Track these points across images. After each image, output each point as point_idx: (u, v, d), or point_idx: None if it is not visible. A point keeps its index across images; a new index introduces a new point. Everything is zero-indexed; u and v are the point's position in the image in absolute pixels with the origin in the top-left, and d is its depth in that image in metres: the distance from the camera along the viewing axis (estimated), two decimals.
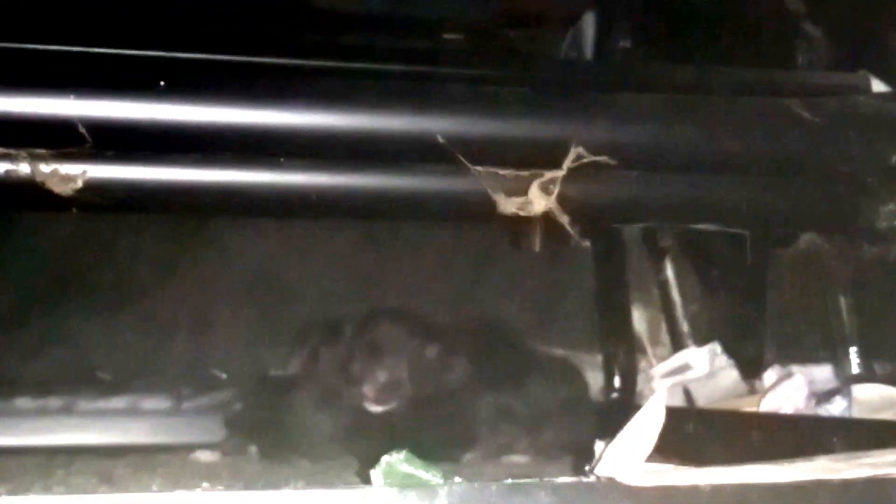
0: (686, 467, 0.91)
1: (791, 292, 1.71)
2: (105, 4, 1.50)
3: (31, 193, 1.22)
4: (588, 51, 1.89)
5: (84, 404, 1.78)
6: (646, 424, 0.94)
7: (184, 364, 1.87)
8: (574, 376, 1.83)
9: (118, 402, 1.79)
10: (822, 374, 1.64)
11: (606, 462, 0.90)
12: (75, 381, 1.81)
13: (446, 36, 1.92)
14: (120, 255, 1.89)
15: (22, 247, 1.84)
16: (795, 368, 1.65)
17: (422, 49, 1.83)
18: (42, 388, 1.78)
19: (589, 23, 1.88)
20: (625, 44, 1.87)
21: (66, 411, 1.77)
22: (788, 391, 1.56)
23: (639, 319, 1.99)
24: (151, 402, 1.80)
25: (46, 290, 1.85)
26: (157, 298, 1.89)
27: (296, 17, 1.77)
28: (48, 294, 1.85)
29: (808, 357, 1.67)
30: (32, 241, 1.83)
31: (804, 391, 1.56)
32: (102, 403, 1.79)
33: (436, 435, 1.60)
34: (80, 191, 1.23)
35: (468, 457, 1.67)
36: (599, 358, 1.91)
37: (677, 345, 1.94)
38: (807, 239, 1.59)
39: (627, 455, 0.91)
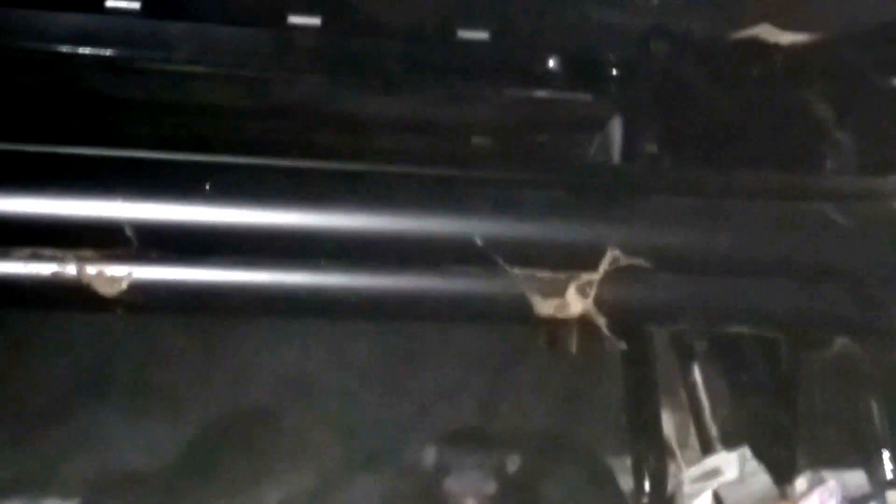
0: None
1: (822, 396, 1.70)
2: (152, 111, 1.53)
3: (78, 294, 1.23)
4: (615, 155, 1.91)
5: None
6: None
7: None
8: (606, 480, 1.82)
9: None
10: (855, 479, 1.63)
11: None
12: (104, 483, 1.80)
13: (475, 140, 1.95)
14: (152, 355, 1.89)
15: (54, 345, 1.84)
16: (827, 474, 1.64)
17: (451, 152, 1.86)
18: (70, 489, 1.77)
19: (616, 127, 1.91)
20: (651, 148, 1.90)
21: None
22: (822, 497, 1.55)
23: (667, 422, 1.97)
24: None
25: (77, 390, 1.85)
26: (190, 399, 1.88)
27: (329, 121, 1.81)
28: (79, 394, 1.85)
29: (840, 462, 1.66)
30: (64, 339, 1.84)
31: (838, 497, 1.55)
32: None
33: None
34: (124, 292, 1.24)
35: None
36: (628, 461, 1.89)
37: (706, 448, 1.92)
38: (840, 343, 1.59)
39: None
